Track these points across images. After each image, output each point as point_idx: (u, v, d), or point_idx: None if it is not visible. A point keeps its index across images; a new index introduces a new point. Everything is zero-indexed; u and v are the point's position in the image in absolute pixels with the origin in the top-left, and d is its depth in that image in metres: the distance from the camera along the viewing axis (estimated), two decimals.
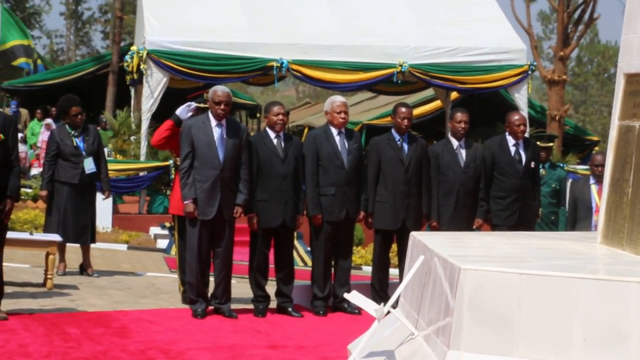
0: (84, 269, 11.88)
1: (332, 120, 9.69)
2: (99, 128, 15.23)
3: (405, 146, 9.84)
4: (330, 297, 9.73)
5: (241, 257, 9.71)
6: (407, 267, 5.74)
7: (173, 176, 15.27)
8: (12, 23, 25.88)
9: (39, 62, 26.94)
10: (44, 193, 11.82)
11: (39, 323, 8.58)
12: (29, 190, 16.12)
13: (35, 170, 18.13)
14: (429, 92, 22.15)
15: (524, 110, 17.68)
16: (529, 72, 19.00)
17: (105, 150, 14.36)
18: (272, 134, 9.47)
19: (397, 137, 9.87)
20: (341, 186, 9.55)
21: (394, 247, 10.27)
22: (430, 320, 4.91)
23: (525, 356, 4.51)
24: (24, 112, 24.43)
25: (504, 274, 4.63)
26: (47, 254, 10.77)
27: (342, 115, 9.67)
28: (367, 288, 9.65)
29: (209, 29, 17.90)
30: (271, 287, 9.61)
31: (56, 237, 11.15)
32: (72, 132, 11.77)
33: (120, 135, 18.73)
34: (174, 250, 12.86)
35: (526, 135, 10.69)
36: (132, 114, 19.33)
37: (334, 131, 9.67)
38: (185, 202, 9.09)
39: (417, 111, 17.51)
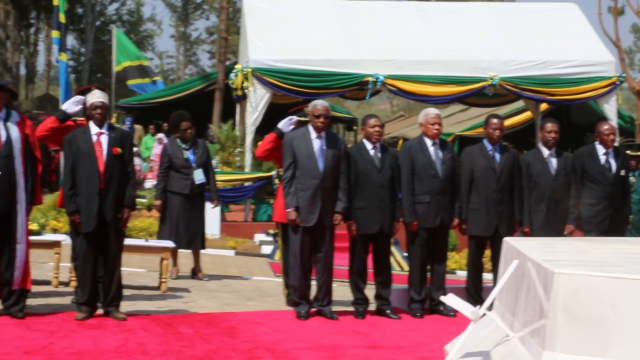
0: (195, 273, 12.00)
1: (427, 131, 9.63)
2: (207, 141, 15.32)
3: (497, 155, 9.73)
4: (427, 300, 9.66)
5: (341, 262, 9.70)
6: (501, 272, 5.65)
7: (276, 186, 15.36)
8: (127, 46, 26.33)
9: (158, 78, 27.31)
10: (158, 203, 11.97)
11: (155, 323, 8.68)
12: (143, 200, 16.33)
13: (149, 182, 18.38)
14: (519, 103, 21.87)
15: (613, 121, 17.33)
16: (617, 84, 18.62)
17: (213, 162, 14.48)
18: (369, 145, 9.45)
19: (489, 147, 9.77)
20: (436, 194, 9.49)
21: (487, 252, 10.14)
22: (525, 322, 4.82)
23: (619, 357, 4.39)
24: (138, 128, 24.78)
25: (597, 277, 4.52)
26: (162, 259, 10.92)
27: (436, 126, 9.62)
28: (462, 291, 9.53)
29: (308, 47, 17.95)
30: (370, 291, 9.57)
31: (169, 244, 11.29)
32: (183, 146, 11.91)
33: (226, 148, 18.86)
34: (277, 256, 12.87)
35: (615, 144, 10.48)
36: (236, 128, 19.47)
37: (429, 142, 9.61)
38: (288, 210, 9.11)
39: (507, 122, 17.28)
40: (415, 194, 9.50)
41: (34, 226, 10.27)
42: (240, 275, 12.63)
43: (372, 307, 9.52)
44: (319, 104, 9.28)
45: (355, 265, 9.46)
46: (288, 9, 19.87)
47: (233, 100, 19.91)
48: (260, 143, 10.54)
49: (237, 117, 19.77)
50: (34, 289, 9.13)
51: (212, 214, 14.50)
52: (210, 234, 14.89)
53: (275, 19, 18.90)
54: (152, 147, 21.52)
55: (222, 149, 18.77)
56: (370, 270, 9.58)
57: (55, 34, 18.74)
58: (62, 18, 18.22)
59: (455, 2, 28.29)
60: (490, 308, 5.40)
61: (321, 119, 9.16)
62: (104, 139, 8.78)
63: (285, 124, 9.73)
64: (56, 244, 10.94)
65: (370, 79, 17.57)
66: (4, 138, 8.56)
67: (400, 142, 25.02)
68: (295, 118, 9.88)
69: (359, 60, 17.70)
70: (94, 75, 42.62)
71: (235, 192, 17.27)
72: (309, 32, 18.44)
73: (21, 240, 8.64)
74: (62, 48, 18.57)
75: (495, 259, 9.63)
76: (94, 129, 8.83)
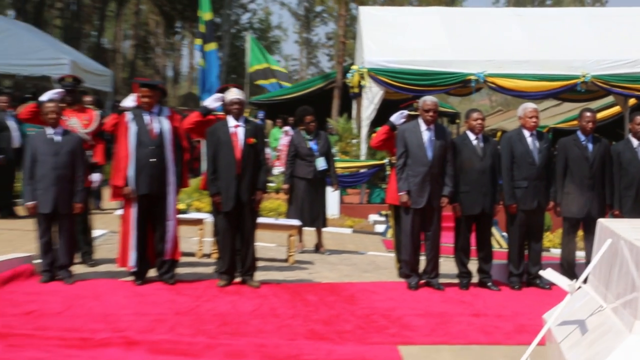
0: (318, 248, 12.08)
1: (525, 124, 9.49)
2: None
3: (590, 146, 9.52)
4: (524, 274, 9.53)
5: (447, 239, 9.63)
6: (595, 249, 5.52)
7: (388, 172, 15.38)
8: (259, 49, 26.60)
9: (286, 83, 27.51)
10: (285, 186, 12.08)
11: (285, 291, 8.77)
12: (272, 185, 16.46)
13: (276, 169, 18.50)
14: (609, 99, 21.35)
15: None
16: None
17: (332, 151, 14.52)
18: (472, 136, 9.36)
19: (582, 137, 9.56)
20: (533, 180, 9.35)
21: (579, 232, 9.95)
22: (617, 295, 4.71)
23: None
24: (268, 122, 25.06)
25: None
26: (289, 236, 11.02)
27: (533, 119, 9.47)
28: (556, 267, 9.36)
29: (417, 50, 17.90)
30: (473, 265, 9.49)
31: (296, 222, 11.39)
32: (307, 137, 11.99)
33: (343, 139, 18.90)
34: (389, 234, 12.87)
35: None
36: (353, 121, 19.51)
37: (526, 133, 9.46)
38: (401, 193, 9.10)
39: (598, 116, 16.91)
40: (514, 180, 9.38)
41: (181, 206, 10.46)
42: (357, 251, 12.65)
43: (475, 280, 9.45)
44: (429, 100, 9.23)
45: (460, 243, 9.41)
46: (399, 16, 19.91)
47: (350, 97, 19.96)
48: (374, 134, 10.54)
49: (354, 111, 19.80)
50: (182, 259, 9.34)
51: (332, 196, 14.54)
52: (331, 214, 14.95)
53: (387, 25, 18.89)
54: (279, 138, 21.63)
55: (340, 140, 18.81)
56: (473, 248, 9.52)
57: (198, 41, 19.23)
58: (201, 28, 18.74)
59: (550, 8, 27.72)
60: (585, 282, 5.31)
61: (430, 113, 9.12)
62: (240, 131, 8.91)
63: (397, 118, 9.71)
64: (200, 222, 11.15)
65: (472, 77, 17.45)
66: (157, 130, 8.77)
67: (499, 133, 24.73)
68: (406, 112, 9.85)
69: (462, 60, 17.58)
70: (230, 75, 43.16)
71: (352, 178, 17.31)
72: (417, 37, 18.39)
73: (171, 217, 8.85)
74: (208, 39, 19.03)
75: (587, 239, 9.42)
76: (231, 122, 8.96)
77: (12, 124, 14.07)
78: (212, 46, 18.97)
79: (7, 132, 14.06)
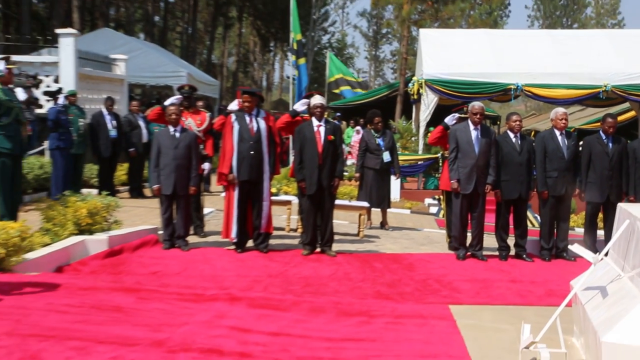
0: (383, 225, 12.02)
1: (556, 125, 9.28)
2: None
3: (610, 144, 9.26)
4: (553, 249, 9.34)
5: (489, 219, 9.49)
6: (615, 228, 5.39)
7: (441, 164, 15.22)
8: (336, 63, 26.62)
9: (358, 90, 27.46)
10: (357, 175, 12.06)
11: (356, 259, 8.75)
12: (346, 173, 16.48)
13: (349, 161, 18.47)
14: (625, 105, 20.74)
15: None
16: None
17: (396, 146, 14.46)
18: (511, 135, 9.19)
19: (604, 137, 9.30)
20: (562, 171, 9.15)
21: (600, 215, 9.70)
22: (633, 266, 4.59)
23: None
24: (342, 122, 25.07)
25: None
26: (360, 215, 10.99)
27: (563, 121, 9.26)
28: (580, 243, 9.13)
29: (467, 64, 17.72)
30: (510, 241, 9.33)
31: (365, 204, 11.34)
32: (375, 135, 11.93)
33: (404, 137, 18.79)
34: (441, 214, 12.73)
35: None
36: (412, 123, 19.40)
37: (557, 133, 9.25)
38: (452, 181, 8.99)
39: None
40: (546, 171, 9.19)
41: (273, 189, 10.51)
42: (415, 228, 12.56)
43: (512, 252, 9.29)
44: (477, 105, 9.10)
45: (500, 222, 9.25)
46: (452, 36, 19.75)
47: (410, 103, 19.88)
48: (430, 133, 10.43)
49: (413, 114, 19.67)
50: (274, 233, 9.37)
51: (395, 184, 14.47)
52: (393, 197, 14.84)
53: (442, 44, 18.72)
54: (351, 136, 21.60)
55: (401, 138, 18.71)
56: (511, 226, 9.36)
57: (293, 57, 19.46)
58: (294, 46, 18.93)
59: (577, 30, 27.05)
60: (606, 255, 5.17)
61: (478, 116, 8.99)
62: (322, 130, 8.91)
63: (450, 119, 9.60)
64: (288, 202, 11.17)
65: (512, 86, 17.22)
66: (255, 128, 8.82)
67: (533, 133, 24.27)
68: (457, 115, 9.72)
69: (504, 73, 17.36)
70: (312, 85, 43.20)
71: (411, 168, 17.18)
72: (467, 53, 18.19)
73: (266, 198, 8.90)
74: (299, 55, 19.25)
75: (606, 220, 9.20)
76: (315, 122, 8.95)
77: (141, 123, 14.33)
78: (302, 61, 19.16)
79: (138, 130, 14.32)
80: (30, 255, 6.99)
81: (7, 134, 8.07)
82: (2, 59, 8.31)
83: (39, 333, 4.63)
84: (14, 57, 9.28)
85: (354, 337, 5.20)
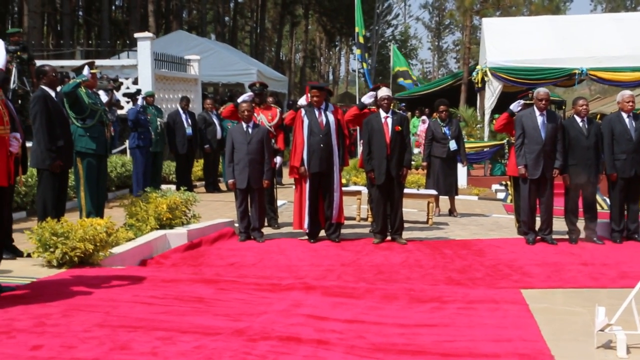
0: (451, 212, 11.86)
1: (623, 107, 8.98)
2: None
3: None
4: (624, 230, 9.06)
5: (558, 203, 9.24)
6: None
7: (507, 150, 14.93)
8: (399, 56, 26.41)
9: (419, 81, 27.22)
10: (424, 164, 11.95)
11: (426, 246, 8.65)
12: (413, 162, 16.36)
13: (415, 150, 18.34)
14: None
15: None
16: None
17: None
18: (578, 119, 8.93)
19: None
20: (630, 153, 8.84)
21: None
22: None
23: None
24: (408, 113, 24.84)
25: None
26: (428, 203, 10.87)
27: (630, 103, 8.95)
28: None
29: (530, 50, 17.39)
30: (580, 224, 9.08)
31: (433, 192, 11.22)
32: (442, 124, 11.79)
33: (469, 124, 18.56)
34: (509, 199, 12.52)
35: None
36: (477, 111, 19.14)
37: (624, 115, 8.95)
38: (519, 167, 8.80)
39: None
40: (615, 153, 8.90)
41: (343, 180, 10.48)
42: (483, 214, 12.36)
43: (582, 235, 9.04)
44: (542, 91, 8.88)
45: (570, 206, 9.00)
46: (514, 24, 19.46)
47: (474, 91, 19.61)
48: (495, 120, 10.23)
49: (478, 102, 19.38)
50: (345, 222, 9.32)
51: (462, 171, 14.28)
52: (460, 185, 14.65)
53: (505, 32, 18.42)
54: (417, 125, 21.42)
55: (466, 125, 18.47)
56: (580, 210, 9.11)
57: (357, 51, 19.43)
58: (361, 39, 18.88)
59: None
60: None
61: (543, 102, 8.76)
62: (389, 121, 8.83)
63: (515, 106, 9.38)
64: (358, 193, 11.16)
65: (577, 71, 16.84)
66: (324, 122, 8.80)
67: (599, 116, 23.61)
68: (522, 101, 9.50)
69: (568, 58, 16.97)
70: (377, 77, 42.99)
71: (477, 155, 16.94)
72: (530, 39, 17.85)
73: (336, 189, 8.87)
74: (363, 59, 19.33)
75: None
76: (382, 114, 8.89)
77: (215, 120, 14.49)
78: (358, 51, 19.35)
79: (212, 127, 14.48)
80: (116, 250, 7.14)
81: (92, 135, 8.26)
82: (86, 64, 8.51)
83: (127, 324, 4.72)
84: (97, 62, 9.47)
85: (428, 322, 5.13)
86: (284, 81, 27.33)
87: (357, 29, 19.15)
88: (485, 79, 17.53)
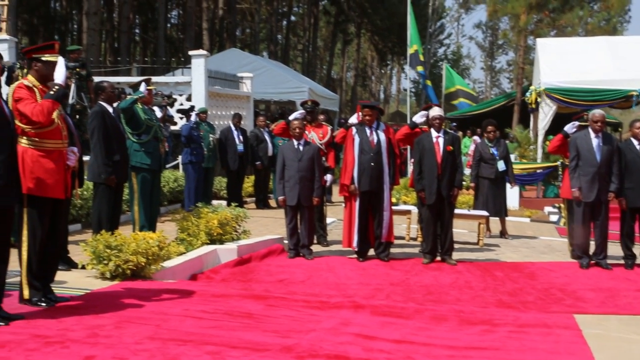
0: (502, 234, 11.71)
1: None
2: (507, 141, 14.87)
3: None
4: None
5: (614, 227, 9.05)
6: None
7: (561, 172, 14.71)
8: (453, 75, 26.29)
9: (471, 102, 26.98)
10: (472, 185, 11.86)
11: (476, 268, 8.56)
12: (463, 183, 16.23)
13: (467, 170, 18.23)
14: None
15: None
16: None
17: (512, 156, 14.15)
18: (635, 142, 8.74)
19: None
20: None
21: None
22: None
23: None
24: (459, 133, 24.69)
25: None
26: (479, 224, 10.78)
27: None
28: None
29: (586, 71, 17.13)
30: (637, 249, 8.86)
31: (484, 213, 11.10)
32: (489, 144, 11.70)
33: (522, 145, 18.36)
34: (562, 222, 12.31)
35: None
36: (530, 131, 18.93)
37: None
38: (573, 189, 8.65)
39: None
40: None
41: (393, 199, 10.45)
42: (535, 236, 12.18)
43: (638, 261, 8.82)
44: (597, 113, 8.74)
45: (625, 230, 8.78)
46: (570, 44, 19.21)
47: (528, 112, 19.42)
48: (549, 142, 10.10)
49: (531, 123, 19.18)
50: (394, 242, 9.27)
51: (512, 192, 14.11)
52: (512, 206, 14.49)
53: (560, 52, 18.19)
54: (468, 145, 21.30)
55: (519, 146, 18.28)
56: (637, 235, 8.90)
57: (420, 68, 19.50)
58: (421, 57, 18.96)
59: None
60: None
61: (599, 123, 8.62)
62: (441, 140, 8.80)
63: (570, 127, 9.26)
64: (407, 212, 11.12)
65: (634, 92, 16.54)
66: (375, 140, 8.80)
67: None
68: (577, 123, 9.37)
69: (625, 79, 16.65)
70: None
71: (529, 177, 16.73)
72: (586, 60, 17.58)
73: (386, 208, 8.85)
74: (426, 77, 19.52)
75: None
76: (434, 133, 8.86)
77: (267, 137, 14.61)
78: (420, 68, 19.38)
79: (264, 144, 14.61)
80: (167, 264, 7.24)
81: (147, 151, 8.42)
82: (143, 80, 8.69)
83: (177, 337, 4.77)
84: (152, 79, 9.66)
85: (477, 345, 5.07)
86: (335, 99, 27.41)
87: (415, 47, 19.16)
88: (539, 99, 17.34)
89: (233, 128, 14.13)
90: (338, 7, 47.23)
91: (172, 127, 15.08)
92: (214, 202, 11.66)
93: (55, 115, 5.45)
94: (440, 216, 8.81)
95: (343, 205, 9.16)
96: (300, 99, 16.89)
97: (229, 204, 10.24)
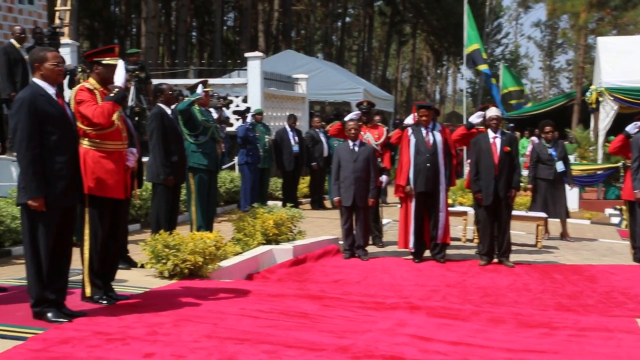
0: (562, 236, 11.50)
1: None
2: (566, 142, 14.63)
3: None
4: None
5: None
6: None
7: (623, 173, 14.37)
8: (510, 75, 25.92)
9: (530, 103, 26.60)
10: (530, 186, 11.68)
11: (535, 270, 8.43)
12: (521, 184, 16.00)
13: (524, 172, 17.96)
14: None
15: None
16: None
17: (572, 157, 13.92)
18: None
19: None
20: None
21: None
22: None
23: None
24: (517, 133, 24.35)
25: None
26: (537, 225, 10.61)
27: None
28: None
29: None
30: None
31: (542, 214, 10.92)
32: (547, 145, 11.53)
33: (582, 146, 18.01)
34: (624, 225, 12.03)
35: None
36: (590, 132, 18.54)
37: None
38: (636, 191, 8.48)
39: None
40: None
41: (449, 200, 10.36)
42: (595, 238, 11.92)
43: None
44: None
45: None
46: (632, 43, 18.74)
47: (588, 112, 19.02)
48: (610, 142, 9.89)
49: (591, 123, 18.78)
50: (450, 243, 9.19)
51: (572, 193, 13.84)
52: (572, 208, 14.20)
53: (622, 50, 17.82)
54: (526, 146, 20.98)
55: (579, 147, 17.93)
56: None
57: (484, 66, 19.39)
58: (484, 55, 18.84)
59: None
60: None
61: None
62: (498, 141, 8.70)
63: (632, 128, 9.09)
64: (464, 213, 11.01)
65: None
66: (431, 141, 8.75)
67: None
68: (639, 123, 9.15)
69: None
70: (485, 97, 42.31)
71: (589, 178, 16.40)
72: None
73: (442, 209, 8.79)
74: (492, 75, 19.49)
75: None
76: (490, 134, 8.76)
77: (323, 138, 14.64)
78: (484, 67, 19.28)
79: (319, 145, 14.64)
80: (224, 263, 7.32)
81: (204, 152, 8.53)
82: (200, 82, 8.80)
83: (234, 336, 4.82)
84: (209, 81, 9.79)
85: (536, 348, 4.98)
86: (390, 100, 27.31)
87: (476, 46, 18.95)
88: (600, 99, 17.00)
89: (288, 129, 14.20)
90: (393, 8, 47.08)
91: (228, 129, 15.24)
92: (270, 202, 11.74)
93: (115, 117, 5.57)
94: (497, 217, 8.70)
95: (399, 206, 9.13)
96: (355, 99, 16.88)
97: (284, 205, 10.32)
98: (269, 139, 13.62)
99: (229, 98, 16.00)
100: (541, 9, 62.15)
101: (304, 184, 15.48)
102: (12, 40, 11.40)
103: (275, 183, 15.00)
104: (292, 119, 14.40)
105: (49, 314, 5.03)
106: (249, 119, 13.24)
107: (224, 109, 14.09)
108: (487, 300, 6.87)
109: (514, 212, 9.68)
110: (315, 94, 21.51)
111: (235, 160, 14.02)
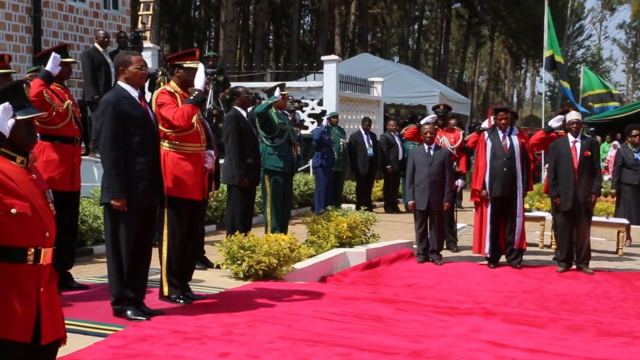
0: None
1: None
2: None
3: None
4: None
5: None
6: None
7: None
8: (594, 77, 25.19)
9: (616, 103, 25.75)
10: (613, 191, 11.37)
11: (615, 278, 8.19)
12: (602, 189, 15.56)
13: (605, 177, 17.42)
14: None
15: None
16: None
17: None
18: None
19: None
20: None
21: None
22: None
23: None
24: (597, 137, 23.69)
25: None
26: (618, 232, 10.27)
27: None
28: None
29: None
30: None
31: (624, 220, 10.57)
32: (633, 149, 11.18)
33: None
34: None
35: None
36: None
37: None
38: None
39: None
40: None
41: (526, 205, 10.15)
42: None
43: None
44: None
45: None
46: None
47: None
48: None
49: None
50: (531, 249, 9.01)
51: None
52: None
53: None
54: (607, 151, 20.39)
55: None
56: None
57: (554, 73, 19.16)
58: (560, 59, 18.82)
59: None
60: None
61: None
62: (578, 145, 8.48)
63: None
64: (541, 219, 10.76)
65: None
66: (508, 145, 8.60)
67: None
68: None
69: None
70: (565, 100, 41.31)
71: None
72: None
73: (519, 214, 8.63)
74: (562, 77, 19.04)
75: None
76: (570, 138, 8.55)
77: (398, 141, 14.58)
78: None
79: (394, 148, 14.58)
80: (298, 266, 7.37)
81: (280, 154, 8.61)
82: (277, 86, 8.90)
83: (308, 338, 4.85)
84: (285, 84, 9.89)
85: (617, 357, 4.84)
86: (466, 103, 26.97)
87: (551, 52, 18.51)
88: None
89: (363, 132, 14.20)
90: (471, 10, 46.48)
91: (303, 132, 15.34)
92: (344, 205, 11.76)
93: (194, 119, 5.68)
94: (576, 223, 8.48)
95: (474, 210, 9.01)
96: (431, 103, 16.76)
97: (358, 208, 10.32)
98: (344, 142, 13.65)
99: (303, 101, 16.10)
100: (625, 10, 60.45)
101: (378, 187, 15.45)
102: (96, 44, 11.76)
103: (350, 186, 15.02)
104: (366, 122, 14.39)
105: (129, 312, 5.16)
106: (324, 122, 13.31)
107: (297, 111, 14.19)
108: (565, 307, 6.70)
109: (594, 218, 9.41)
110: (391, 97, 21.43)
111: (310, 163, 14.10)
